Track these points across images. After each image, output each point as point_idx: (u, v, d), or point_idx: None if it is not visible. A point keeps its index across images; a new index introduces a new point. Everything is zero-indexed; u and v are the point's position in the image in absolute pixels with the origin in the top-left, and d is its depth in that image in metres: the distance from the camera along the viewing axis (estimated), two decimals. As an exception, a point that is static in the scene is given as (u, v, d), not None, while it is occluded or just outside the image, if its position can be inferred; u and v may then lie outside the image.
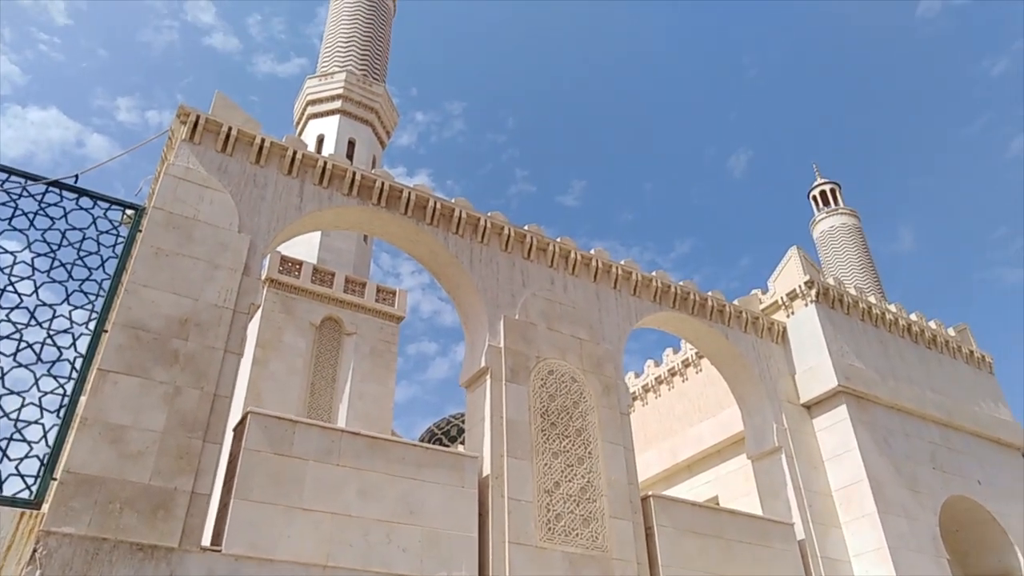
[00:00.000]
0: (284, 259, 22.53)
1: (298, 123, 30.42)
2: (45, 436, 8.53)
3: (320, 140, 28.58)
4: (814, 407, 16.27)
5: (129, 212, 10.60)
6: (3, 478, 8.16)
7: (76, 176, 10.39)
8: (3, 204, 9.66)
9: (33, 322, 9.10)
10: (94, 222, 10.21)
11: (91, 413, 8.56)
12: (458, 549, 10.25)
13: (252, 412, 9.74)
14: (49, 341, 9.07)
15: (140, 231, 10.29)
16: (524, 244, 14.17)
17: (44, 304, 9.29)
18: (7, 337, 8.86)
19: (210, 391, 9.45)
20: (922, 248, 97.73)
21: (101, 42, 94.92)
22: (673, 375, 21.62)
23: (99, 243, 10.09)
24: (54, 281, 9.56)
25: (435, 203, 13.29)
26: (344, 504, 9.71)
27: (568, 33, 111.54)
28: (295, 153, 12.25)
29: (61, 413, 8.74)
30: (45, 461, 8.42)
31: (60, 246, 9.80)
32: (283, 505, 9.28)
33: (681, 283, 15.93)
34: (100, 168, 11.51)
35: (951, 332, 20.20)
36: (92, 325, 9.45)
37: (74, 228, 10.03)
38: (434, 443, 33.19)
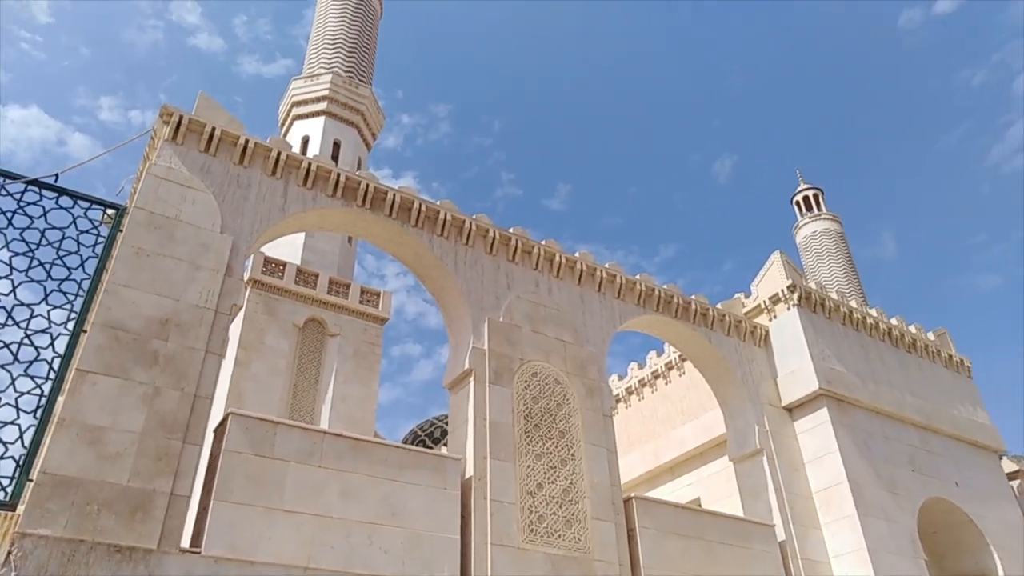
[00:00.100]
0: (267, 260, 22.42)
1: (283, 124, 30.29)
2: (21, 437, 8.44)
3: (305, 141, 28.47)
4: (795, 410, 16.40)
5: (110, 212, 10.51)
6: (-22, 479, 8.06)
7: (56, 175, 10.30)
8: (-19, 202, 9.56)
9: (10, 322, 9.00)
10: (74, 221, 10.13)
11: (69, 414, 8.48)
12: (440, 551, 10.24)
13: (233, 413, 9.68)
14: (26, 341, 8.98)
15: (121, 231, 10.21)
16: (509, 247, 14.19)
17: (22, 304, 9.20)
18: (-16, 337, 8.76)
19: (190, 392, 9.38)
20: (903, 253, 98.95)
21: (84, 40, 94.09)
22: (656, 378, 21.71)
23: (79, 243, 10.00)
24: (32, 280, 9.47)
25: (420, 205, 13.28)
26: (326, 506, 9.67)
27: (555, 38, 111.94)
28: (279, 154, 12.20)
29: (38, 414, 8.65)
30: (21, 462, 8.33)
31: (39, 245, 9.70)
32: (264, 507, 9.23)
33: (665, 287, 16.02)
34: (81, 168, 11.42)
35: (930, 336, 20.43)
36: (71, 325, 9.36)
37: (53, 227, 9.94)
38: (417, 445, 33.09)
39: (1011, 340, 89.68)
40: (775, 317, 17.49)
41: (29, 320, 9.10)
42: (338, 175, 12.66)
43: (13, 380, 8.66)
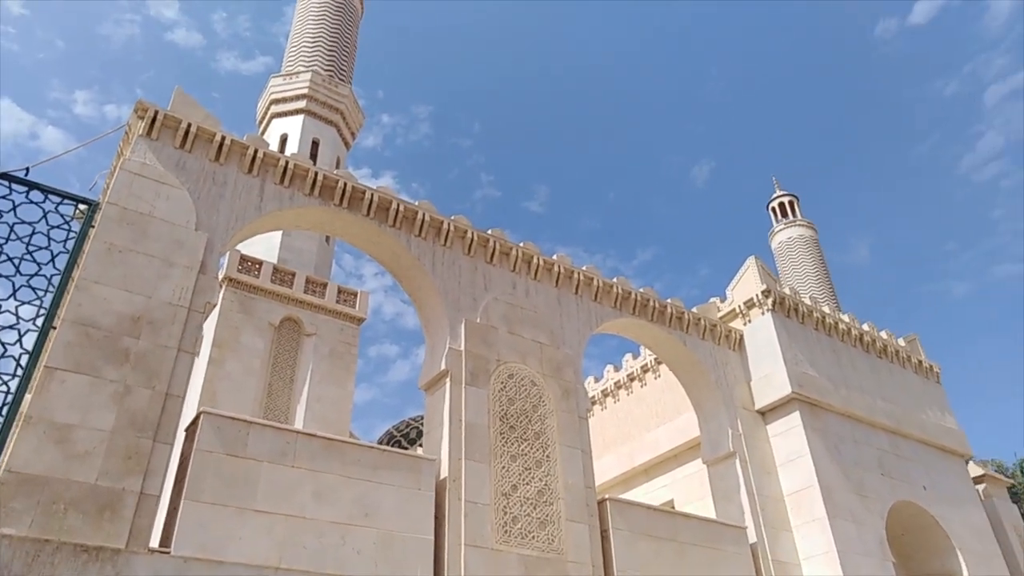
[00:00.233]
0: (243, 258, 22.21)
1: (261, 122, 30.04)
2: (-13, 434, 8.28)
3: (283, 140, 28.27)
4: (768, 413, 16.59)
5: (82, 207, 10.36)
6: (-59, 478, 7.89)
7: (27, 169, 10.13)
8: (-52, 195, 9.38)
9: (-23, 317, 8.84)
10: (45, 216, 9.96)
11: (36, 411, 8.34)
12: (413, 551, 10.22)
13: (205, 412, 9.59)
14: (-6, 337, 8.82)
15: (93, 227, 10.07)
16: (487, 248, 14.20)
17: (-11, 299, 9.03)
18: (-51, 332, 8.60)
19: (162, 390, 9.28)
20: (876, 260, 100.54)
21: (59, 33, 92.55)
22: (632, 380, 21.84)
23: (50, 238, 9.84)
24: (0, 276, 9.30)
25: (398, 205, 13.25)
26: (298, 506, 9.61)
27: (537, 41, 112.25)
28: (256, 151, 12.11)
29: (4, 411, 8.50)
30: (-14, 460, 8.17)
31: (8, 240, 9.54)
32: (235, 507, 9.15)
33: (641, 290, 16.13)
34: (54, 162, 11.23)
35: (901, 342, 20.78)
36: (40, 321, 9.21)
37: (23, 222, 9.78)
38: (393, 445, 32.92)
39: (979, 346, 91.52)
40: (749, 321, 17.69)
41: (-4, 316, 8.95)
42: (315, 174, 12.59)
43: (-21, 377, 8.51)
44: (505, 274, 14.23)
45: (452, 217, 13.94)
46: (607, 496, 12.99)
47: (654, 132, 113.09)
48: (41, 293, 9.39)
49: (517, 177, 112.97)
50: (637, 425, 20.88)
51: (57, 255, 9.78)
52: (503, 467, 11.80)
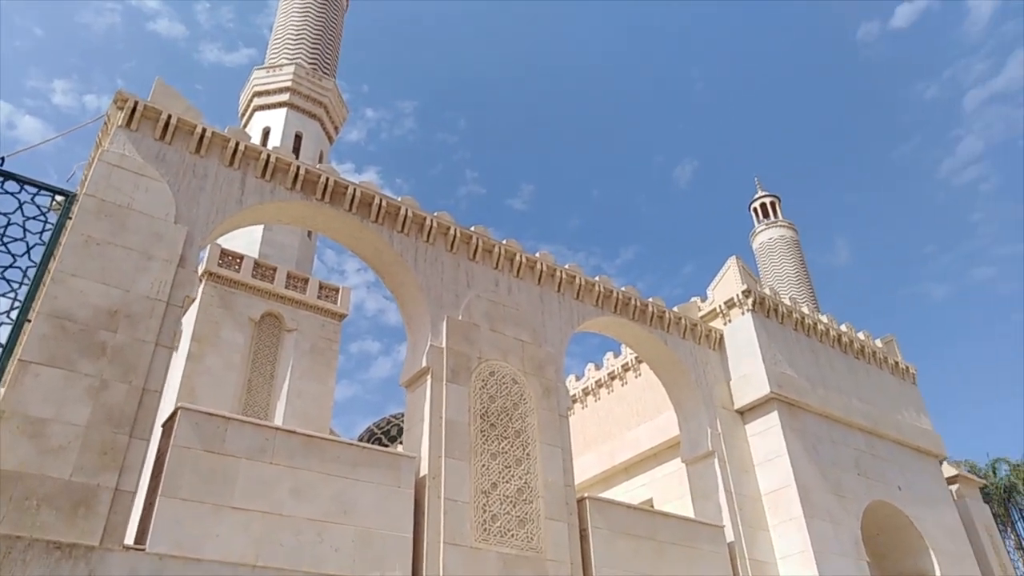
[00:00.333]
0: (224, 252, 21.98)
1: (244, 115, 29.74)
2: (-42, 429, 8.13)
3: (266, 133, 28.00)
4: (747, 413, 16.73)
5: (59, 198, 10.19)
6: (-90, 472, 7.75)
7: (2, 159, 9.93)
8: (-80, 184, 9.19)
9: (-51, 309, 8.68)
10: (20, 207, 9.78)
11: (9, 405, 8.22)
12: (392, 549, 10.19)
13: (183, 408, 9.49)
14: (-34, 329, 8.67)
15: (70, 218, 9.92)
16: (470, 245, 14.18)
17: (-38, 291, 8.87)
18: (-80, 324, 8.43)
19: (139, 385, 9.17)
20: (856, 261, 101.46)
21: (37, 21, 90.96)
22: (613, 379, 21.92)
23: (25, 229, 9.67)
24: (-26, 267, 9.13)
25: (380, 201, 13.19)
26: (276, 503, 9.55)
27: (523, 39, 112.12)
28: (237, 144, 11.99)
29: (-23, 405, 8.34)
30: (-43, 455, 8.03)
31: (-18, 231, 9.36)
32: (212, 503, 9.07)
33: (623, 288, 16.19)
34: (31, 152, 11.07)
35: (878, 343, 21.03)
36: (14, 314, 9.05)
37: (-2, 212, 9.60)
38: (374, 443, 32.85)
39: (956, 348, 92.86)
40: (730, 321, 17.81)
41: (-31, 308, 8.79)
42: (297, 168, 12.50)
43: (-50, 370, 8.35)
44: (488, 271, 14.22)
45: (435, 213, 13.90)
46: (586, 495, 13.03)
47: (638, 131, 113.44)
48: (16, 285, 9.23)
49: (502, 174, 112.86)
50: (618, 424, 20.97)
51: (33, 247, 9.61)
52: (483, 465, 11.80)
